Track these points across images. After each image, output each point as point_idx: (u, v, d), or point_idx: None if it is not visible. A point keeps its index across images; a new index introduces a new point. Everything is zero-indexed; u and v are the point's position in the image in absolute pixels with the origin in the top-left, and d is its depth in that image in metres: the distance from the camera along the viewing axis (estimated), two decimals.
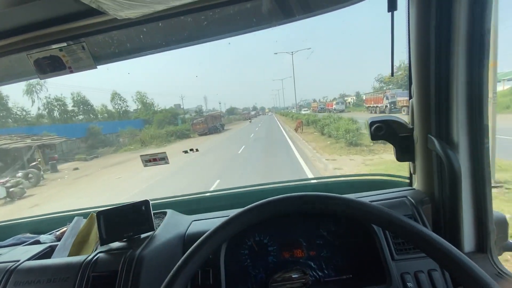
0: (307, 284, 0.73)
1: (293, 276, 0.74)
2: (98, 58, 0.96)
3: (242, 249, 0.82)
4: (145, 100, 36.80)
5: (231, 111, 66.08)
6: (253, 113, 63.57)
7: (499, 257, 0.73)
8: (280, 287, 0.72)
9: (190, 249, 0.51)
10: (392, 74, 0.82)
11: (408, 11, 0.72)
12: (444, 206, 0.72)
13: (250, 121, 38.73)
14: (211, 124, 24.01)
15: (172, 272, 0.49)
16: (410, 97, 0.78)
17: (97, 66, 0.95)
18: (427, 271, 0.65)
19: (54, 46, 0.90)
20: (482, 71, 0.63)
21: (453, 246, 0.44)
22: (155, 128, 26.26)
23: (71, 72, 0.95)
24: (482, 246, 0.69)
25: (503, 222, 0.73)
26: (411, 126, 0.79)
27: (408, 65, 0.76)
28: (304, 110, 38.88)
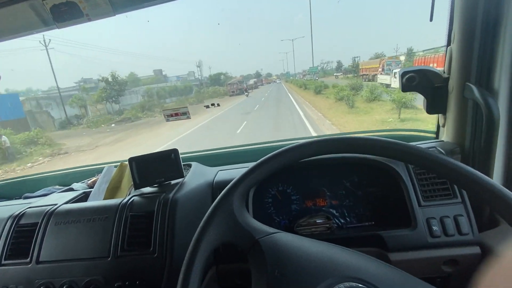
0: (331, 228, 0.76)
1: (318, 221, 0.77)
2: (116, 5, 0.91)
3: (266, 198, 0.84)
4: None
5: (216, 79, 39.89)
6: (251, 82, 39.70)
7: None
8: (305, 231, 0.76)
9: (225, 189, 0.51)
10: (431, 19, 0.77)
11: None
12: (474, 157, 0.71)
13: (247, 95, 25.72)
14: None
15: (206, 214, 0.48)
16: (449, 44, 0.74)
17: (115, 14, 0.91)
18: (453, 216, 0.67)
19: None
20: None
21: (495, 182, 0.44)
22: None
23: (89, 20, 0.92)
24: None
25: None
26: (446, 75, 0.75)
27: (450, 6, 0.71)
28: None
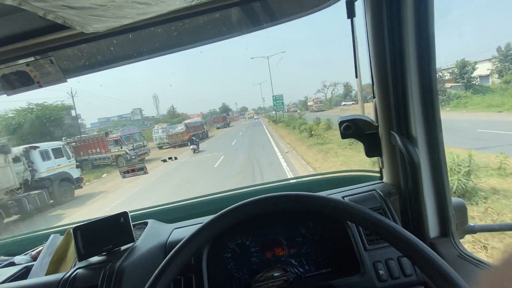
0: (289, 280, 0.75)
1: (275, 274, 0.76)
2: (68, 72, 0.94)
3: (225, 253, 0.83)
4: None
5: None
6: (180, 127, 18.61)
7: (462, 240, 0.79)
8: (263, 287, 0.75)
9: (168, 256, 0.52)
10: (356, 76, 0.88)
11: (365, 18, 0.77)
12: (410, 197, 0.77)
13: (196, 150, 13.89)
14: None
15: (150, 279, 0.49)
16: (374, 97, 0.84)
17: (68, 80, 0.94)
18: (396, 258, 0.70)
19: (20, 61, 0.88)
20: (431, 70, 0.69)
21: (412, 235, 0.48)
22: None
23: (40, 86, 0.93)
24: (445, 230, 0.75)
25: (462, 208, 0.79)
26: (376, 124, 0.84)
27: (369, 67, 0.82)
28: None
